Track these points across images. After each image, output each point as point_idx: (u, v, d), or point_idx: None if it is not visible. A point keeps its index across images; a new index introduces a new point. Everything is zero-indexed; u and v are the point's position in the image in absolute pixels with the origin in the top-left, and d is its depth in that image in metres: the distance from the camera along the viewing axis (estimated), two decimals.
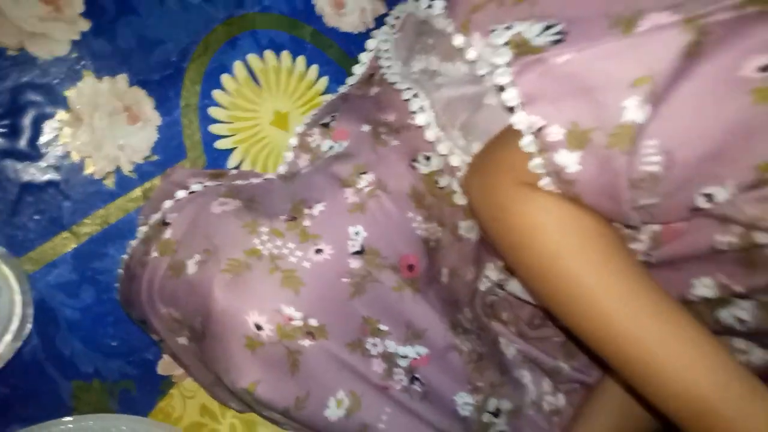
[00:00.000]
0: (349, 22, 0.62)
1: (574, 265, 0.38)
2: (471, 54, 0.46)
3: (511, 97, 0.38)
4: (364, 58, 0.59)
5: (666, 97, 0.33)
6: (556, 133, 0.37)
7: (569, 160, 0.37)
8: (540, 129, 0.37)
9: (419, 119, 0.51)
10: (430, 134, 0.52)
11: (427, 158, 0.51)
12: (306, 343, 0.43)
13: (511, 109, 0.38)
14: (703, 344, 0.35)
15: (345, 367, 0.46)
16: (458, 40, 0.47)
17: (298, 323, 0.42)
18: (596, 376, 0.62)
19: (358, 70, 0.59)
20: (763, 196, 0.34)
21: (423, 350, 0.50)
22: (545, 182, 0.39)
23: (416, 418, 0.51)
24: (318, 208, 0.46)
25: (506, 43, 0.39)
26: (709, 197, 0.35)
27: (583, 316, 0.38)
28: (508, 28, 0.40)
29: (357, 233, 0.46)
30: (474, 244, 0.55)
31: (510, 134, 0.40)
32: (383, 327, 0.48)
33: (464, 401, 0.54)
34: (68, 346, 0.56)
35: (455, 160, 0.51)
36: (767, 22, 0.31)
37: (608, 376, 0.60)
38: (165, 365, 0.60)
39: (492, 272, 0.57)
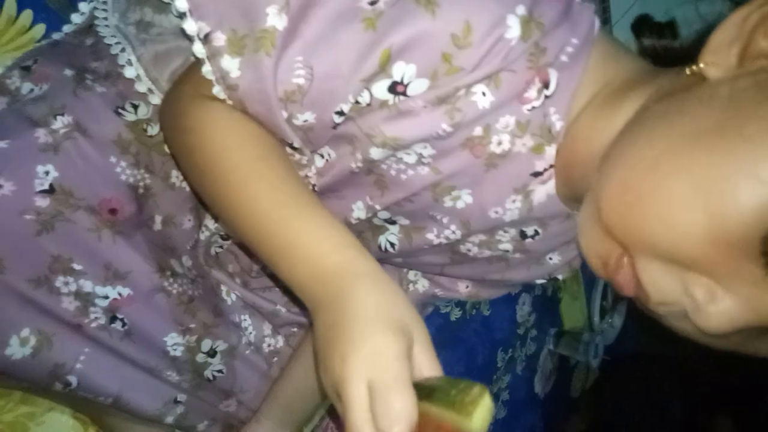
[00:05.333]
0: None
1: (234, 159, 0.42)
2: None
3: (180, 4, 0.41)
4: (83, 8, 0.59)
5: (304, 17, 0.39)
6: (219, 38, 0.40)
7: (232, 66, 0.41)
8: (207, 35, 0.41)
9: (128, 72, 0.53)
10: (141, 86, 0.54)
11: (135, 106, 0.53)
12: None
13: (182, 16, 0.41)
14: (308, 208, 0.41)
15: (28, 304, 0.46)
16: None
17: None
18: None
19: (77, 19, 0.59)
20: (382, 116, 0.42)
21: (125, 291, 0.52)
22: (217, 90, 0.42)
23: (118, 356, 0.53)
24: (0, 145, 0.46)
25: None
26: (340, 113, 0.42)
27: (234, 202, 0.42)
28: None
29: (47, 173, 0.47)
30: (189, 194, 0.58)
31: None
32: (77, 266, 0.49)
33: (174, 342, 0.57)
34: None
35: None
36: None
37: None
38: None
39: (210, 221, 0.60)
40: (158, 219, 0.56)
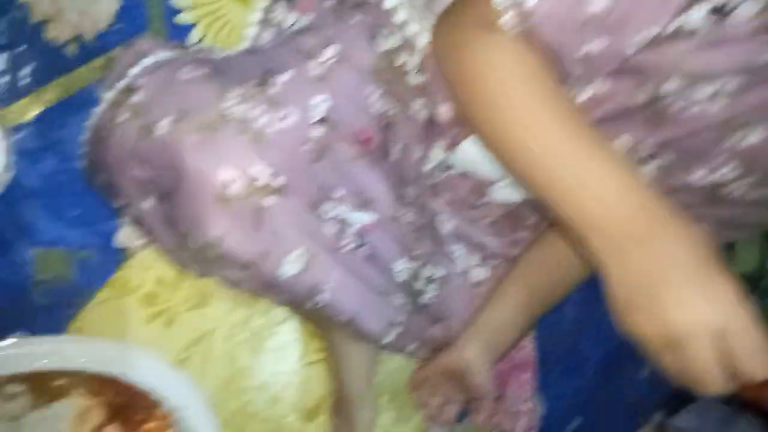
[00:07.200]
0: None
1: (516, 97, 0.42)
2: None
3: None
4: None
5: None
6: None
7: None
8: None
9: (388, 2, 0.55)
10: (401, 15, 0.55)
11: (387, 35, 0.55)
12: (271, 200, 0.47)
13: None
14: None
15: (303, 227, 0.51)
16: None
17: (265, 181, 0.46)
18: (518, 251, 0.70)
19: None
20: (690, 46, 0.40)
21: (372, 217, 0.56)
22: (506, 18, 0.42)
23: (361, 281, 0.57)
24: (283, 78, 0.49)
25: None
26: (639, 42, 0.41)
27: (513, 137, 0.43)
28: None
29: (320, 104, 0.50)
30: (422, 125, 0.60)
31: None
32: (339, 193, 0.53)
33: (402, 267, 0.60)
34: (31, 213, 0.58)
35: (422, 39, 0.55)
36: None
37: (528, 252, 0.69)
38: (124, 236, 0.63)
39: (437, 153, 0.62)
40: (397, 149, 0.59)
